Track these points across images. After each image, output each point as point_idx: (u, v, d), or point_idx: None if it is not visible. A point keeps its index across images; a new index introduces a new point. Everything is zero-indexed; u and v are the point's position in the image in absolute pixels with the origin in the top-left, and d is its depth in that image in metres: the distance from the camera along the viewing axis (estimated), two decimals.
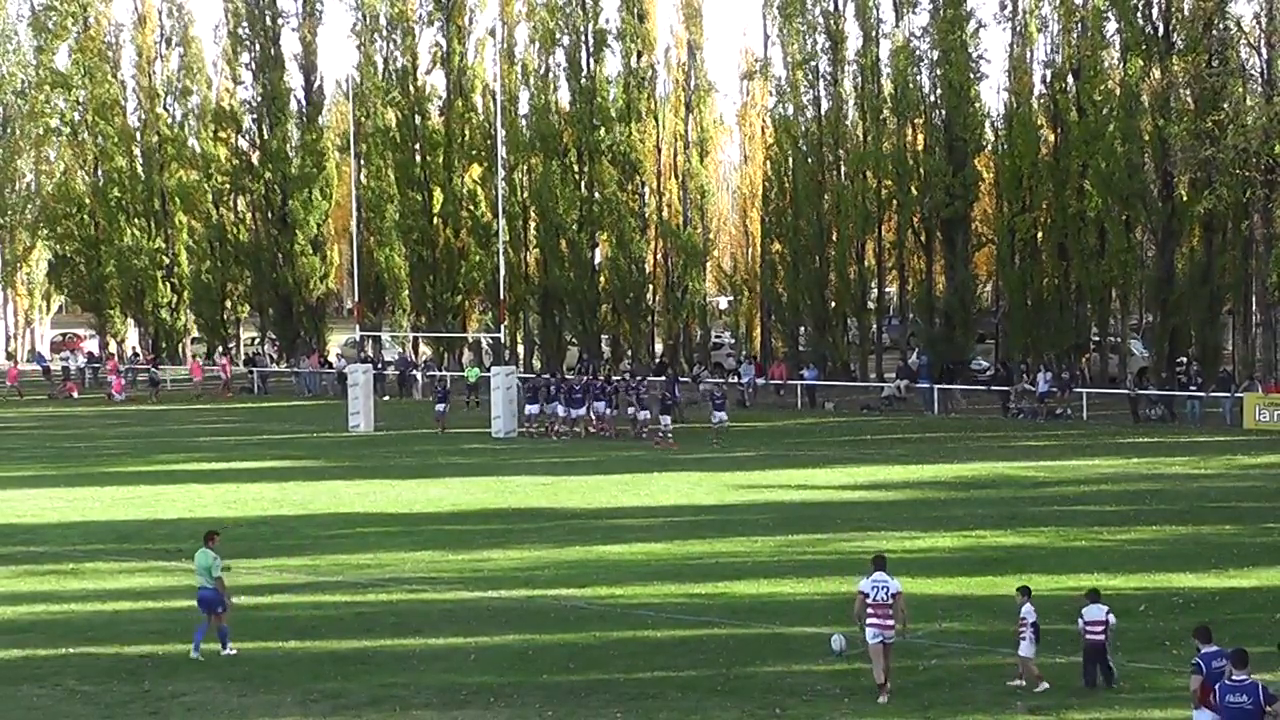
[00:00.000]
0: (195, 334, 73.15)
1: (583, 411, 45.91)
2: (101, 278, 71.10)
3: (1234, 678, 14.10)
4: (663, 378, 53.15)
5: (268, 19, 67.28)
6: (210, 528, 21.83)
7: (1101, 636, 18.61)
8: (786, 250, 59.31)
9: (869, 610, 18.24)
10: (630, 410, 46.80)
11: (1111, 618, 18.82)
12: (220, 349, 70.02)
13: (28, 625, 23.05)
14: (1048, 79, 55.06)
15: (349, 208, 61.56)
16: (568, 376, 53.95)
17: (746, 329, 65.38)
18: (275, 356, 67.85)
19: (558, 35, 62.43)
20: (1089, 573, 24.68)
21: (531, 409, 46.97)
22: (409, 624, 22.61)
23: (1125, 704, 18.11)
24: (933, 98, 56.71)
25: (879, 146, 57.21)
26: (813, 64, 58.54)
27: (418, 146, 65.03)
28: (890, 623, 18.25)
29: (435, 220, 64.67)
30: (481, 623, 22.64)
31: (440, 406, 48.43)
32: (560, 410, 46.28)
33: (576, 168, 62.39)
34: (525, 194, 64.58)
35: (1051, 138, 55.30)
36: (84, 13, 70.79)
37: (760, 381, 55.64)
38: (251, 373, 64.20)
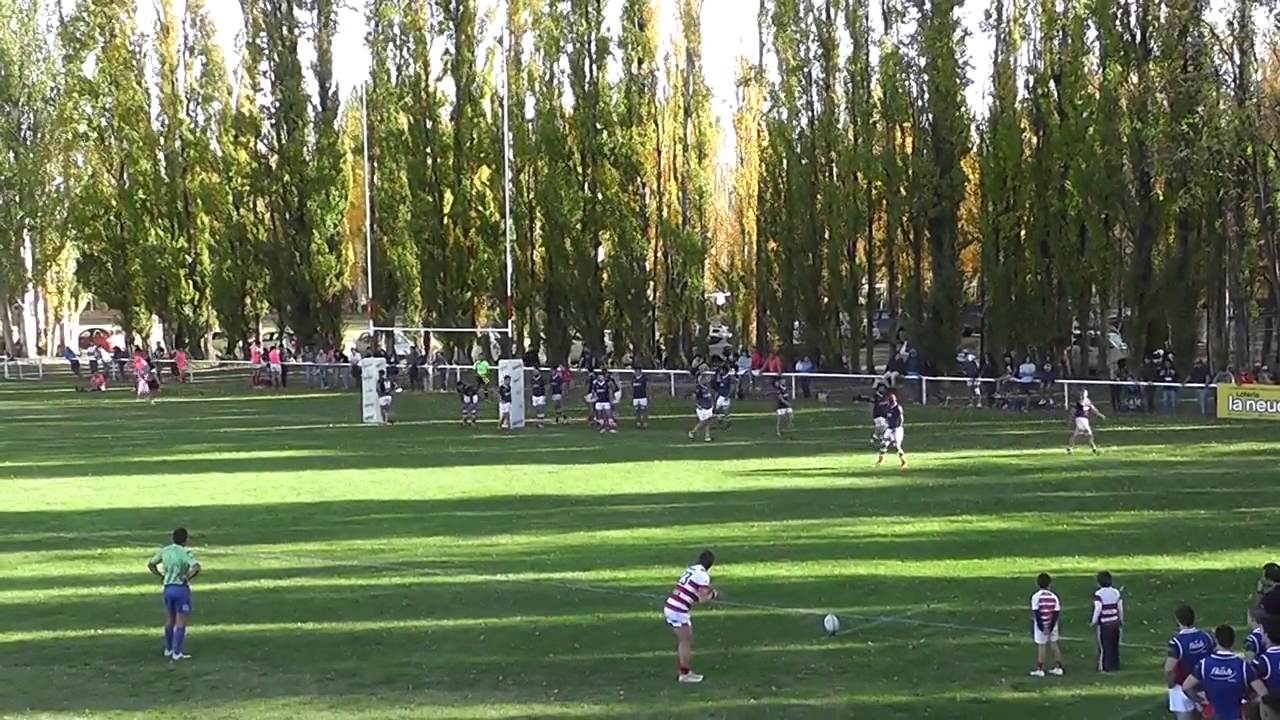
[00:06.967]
0: (217, 329, 73.83)
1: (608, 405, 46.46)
2: (127, 276, 71.87)
3: (1219, 653, 14.46)
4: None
5: (285, 29, 67.52)
6: (180, 526, 21.80)
7: (1117, 618, 18.70)
8: (781, 248, 59.84)
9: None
10: (589, 399, 47.75)
11: (1122, 600, 18.94)
12: (275, 340, 71.14)
13: (58, 607, 23.49)
14: (1030, 84, 55.38)
15: (363, 208, 61.99)
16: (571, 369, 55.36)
17: (743, 323, 65.74)
18: (293, 350, 68.56)
19: (562, 43, 62.81)
20: (1070, 556, 25.30)
21: (538, 400, 48.33)
22: (421, 606, 23.00)
23: (1105, 681, 18.44)
24: (920, 102, 57.25)
25: (869, 149, 57.65)
26: (805, 70, 58.99)
27: (429, 150, 65.43)
28: (675, 604, 18.86)
29: (445, 220, 65.07)
30: (490, 605, 23.07)
31: (384, 399, 48.61)
32: (597, 404, 46.75)
33: (580, 170, 62.86)
34: (531, 195, 65.14)
35: (1034, 140, 55.34)
36: (110, 23, 71.30)
37: (756, 373, 56.65)
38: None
